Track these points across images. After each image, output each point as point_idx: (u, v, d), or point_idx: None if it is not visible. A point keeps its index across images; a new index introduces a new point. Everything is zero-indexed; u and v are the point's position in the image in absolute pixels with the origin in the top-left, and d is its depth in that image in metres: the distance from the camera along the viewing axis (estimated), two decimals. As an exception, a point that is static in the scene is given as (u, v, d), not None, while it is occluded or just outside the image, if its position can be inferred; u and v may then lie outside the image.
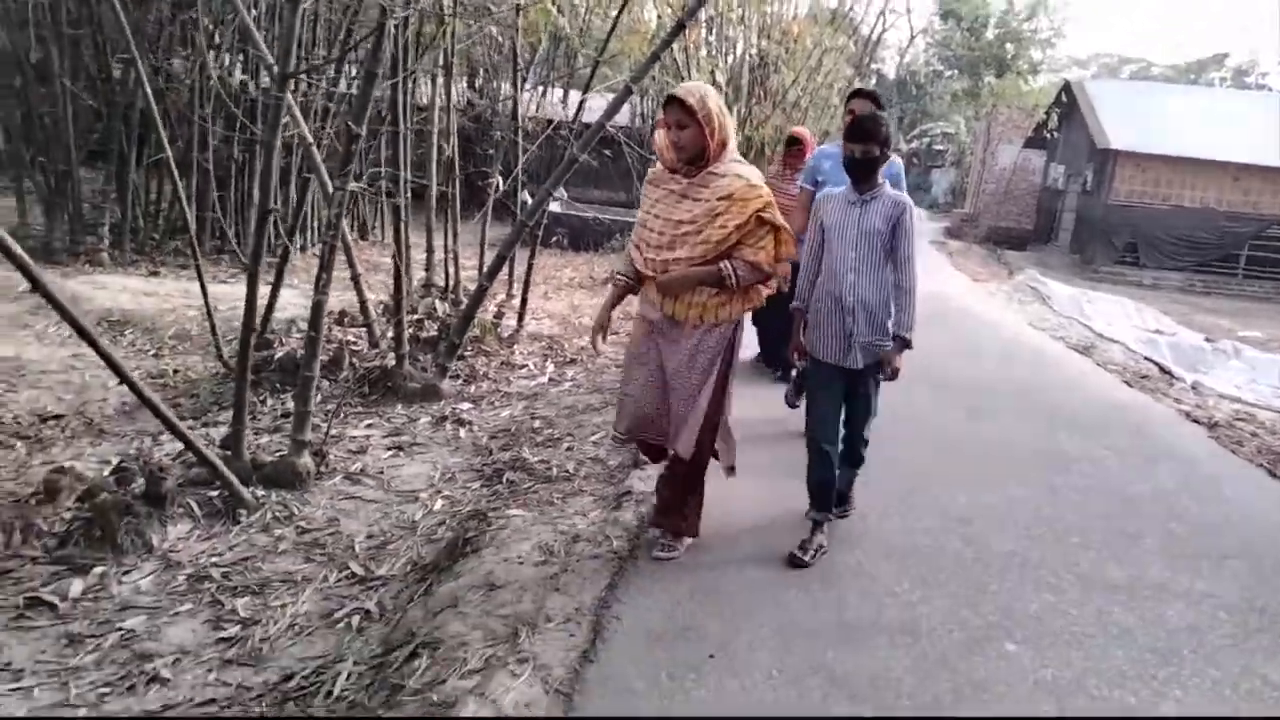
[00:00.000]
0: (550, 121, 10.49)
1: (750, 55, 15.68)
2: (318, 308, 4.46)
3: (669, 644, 2.96)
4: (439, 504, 4.59)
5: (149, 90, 6.80)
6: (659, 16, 11.64)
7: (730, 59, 15.67)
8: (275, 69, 4.25)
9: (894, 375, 3.74)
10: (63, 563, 3.80)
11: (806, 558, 3.79)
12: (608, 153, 13.01)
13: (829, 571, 3.75)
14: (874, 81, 42.27)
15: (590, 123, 6.35)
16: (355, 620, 3.52)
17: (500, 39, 9.36)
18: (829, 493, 3.91)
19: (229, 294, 9.17)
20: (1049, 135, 25.19)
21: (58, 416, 6.08)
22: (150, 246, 12.19)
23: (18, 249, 3.37)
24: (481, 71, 17.59)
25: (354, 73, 9.82)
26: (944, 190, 35.96)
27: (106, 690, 3.13)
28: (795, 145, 6.80)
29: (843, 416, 3.92)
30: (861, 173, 3.68)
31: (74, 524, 4.00)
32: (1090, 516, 4.69)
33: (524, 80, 9.34)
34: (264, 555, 3.99)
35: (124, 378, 3.87)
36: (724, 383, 3.64)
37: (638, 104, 18.76)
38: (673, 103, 3.41)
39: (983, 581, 3.80)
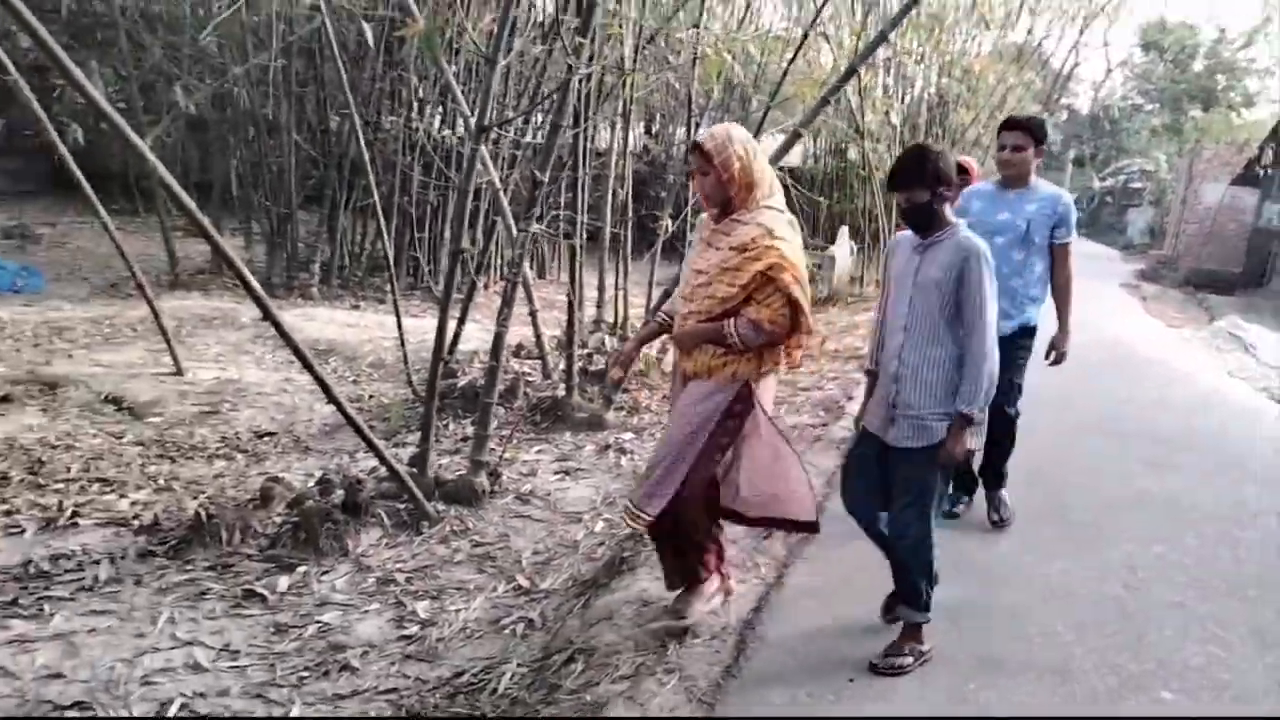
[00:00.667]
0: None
1: (929, 94, 15.47)
2: (498, 340, 4.85)
3: (811, 665, 3.05)
4: (599, 525, 4.85)
5: (361, 141, 7.56)
6: (834, 61, 11.75)
7: (908, 99, 15.51)
8: (472, 122, 4.71)
9: (952, 461, 3.05)
10: (272, 560, 4.31)
11: (883, 665, 3.18)
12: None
13: (981, 608, 3.70)
14: (1064, 117, 40.33)
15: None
16: (519, 628, 3.80)
17: (677, 86, 9.77)
18: (903, 580, 3.31)
19: (418, 327, 9.97)
20: (1264, 171, 23.18)
21: (271, 433, 6.83)
22: (353, 283, 13.39)
23: (255, 284, 3.91)
24: (658, 117, 18.22)
25: (539, 122, 10.51)
26: (1140, 230, 33.66)
27: (306, 674, 3.54)
28: (961, 175, 6.66)
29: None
30: (915, 223, 3.11)
31: (283, 527, 4.53)
32: (1272, 571, 4.36)
33: (698, 125, 9.68)
34: (442, 564, 4.36)
35: (333, 399, 4.36)
36: (716, 448, 3.23)
37: (809, 145, 18.85)
38: (694, 149, 3.20)
39: (1143, 629, 3.63)
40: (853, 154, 15.55)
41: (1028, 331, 4.49)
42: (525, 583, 4.22)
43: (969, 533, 4.51)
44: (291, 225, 13.31)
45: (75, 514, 4.94)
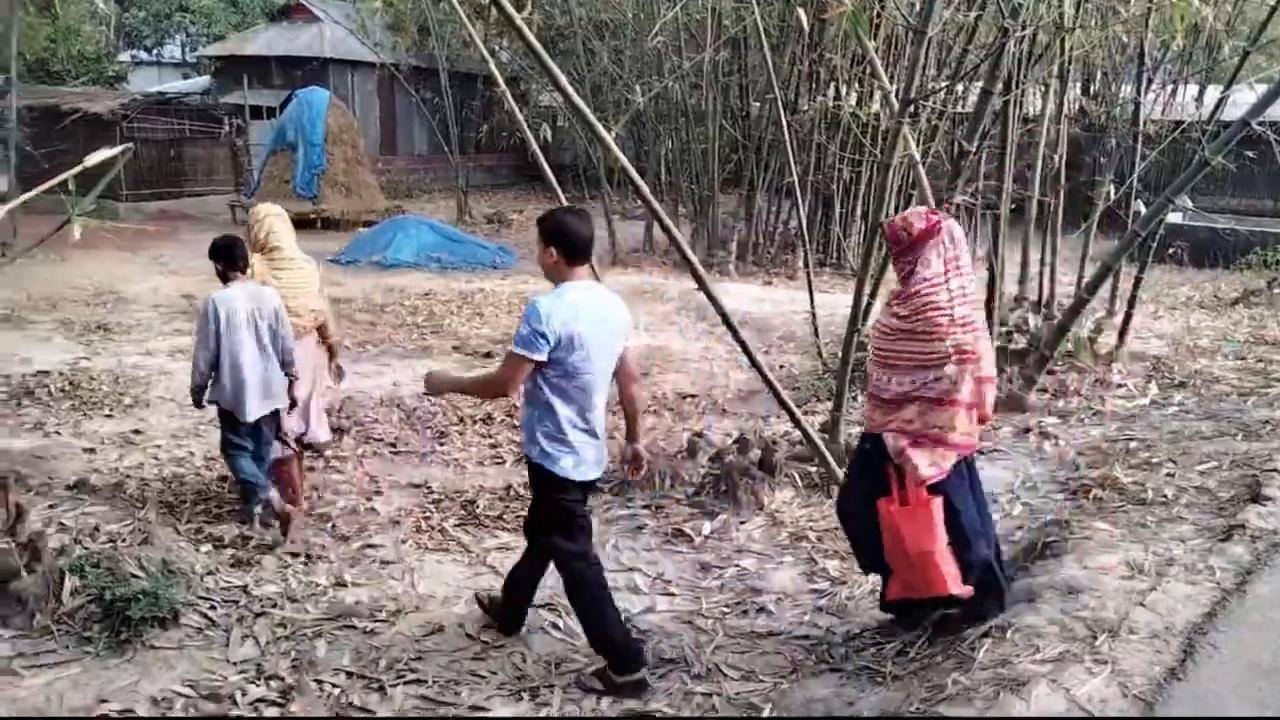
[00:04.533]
0: (1178, 123, 9.46)
1: None
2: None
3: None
4: (1017, 509, 4.63)
5: (783, 123, 7.85)
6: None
7: None
8: (894, 96, 4.72)
9: None
10: (696, 507, 4.76)
11: None
12: (1250, 154, 11.22)
13: None
14: None
15: (1230, 121, 5.69)
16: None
17: (1125, 39, 8.76)
18: None
19: (827, 301, 10.14)
20: None
21: (693, 395, 7.46)
22: (766, 259, 13.97)
23: (694, 259, 4.33)
24: (1098, 75, 16.40)
25: (960, 91, 10.07)
26: None
27: (726, 610, 3.88)
28: None
29: None
30: None
31: (705, 479, 4.96)
32: None
33: (1149, 81, 8.60)
34: (851, 528, 4.48)
35: (754, 363, 4.68)
36: None
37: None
38: None
39: None
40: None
41: None
42: (936, 556, 4.18)
43: None
44: (712, 206, 14.23)
45: (539, 452, 5.85)
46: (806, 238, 8.52)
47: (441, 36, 18.79)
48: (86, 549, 3.94)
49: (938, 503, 3.05)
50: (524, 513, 4.83)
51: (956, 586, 3.06)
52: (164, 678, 3.22)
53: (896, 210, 6.95)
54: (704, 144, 13.81)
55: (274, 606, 3.81)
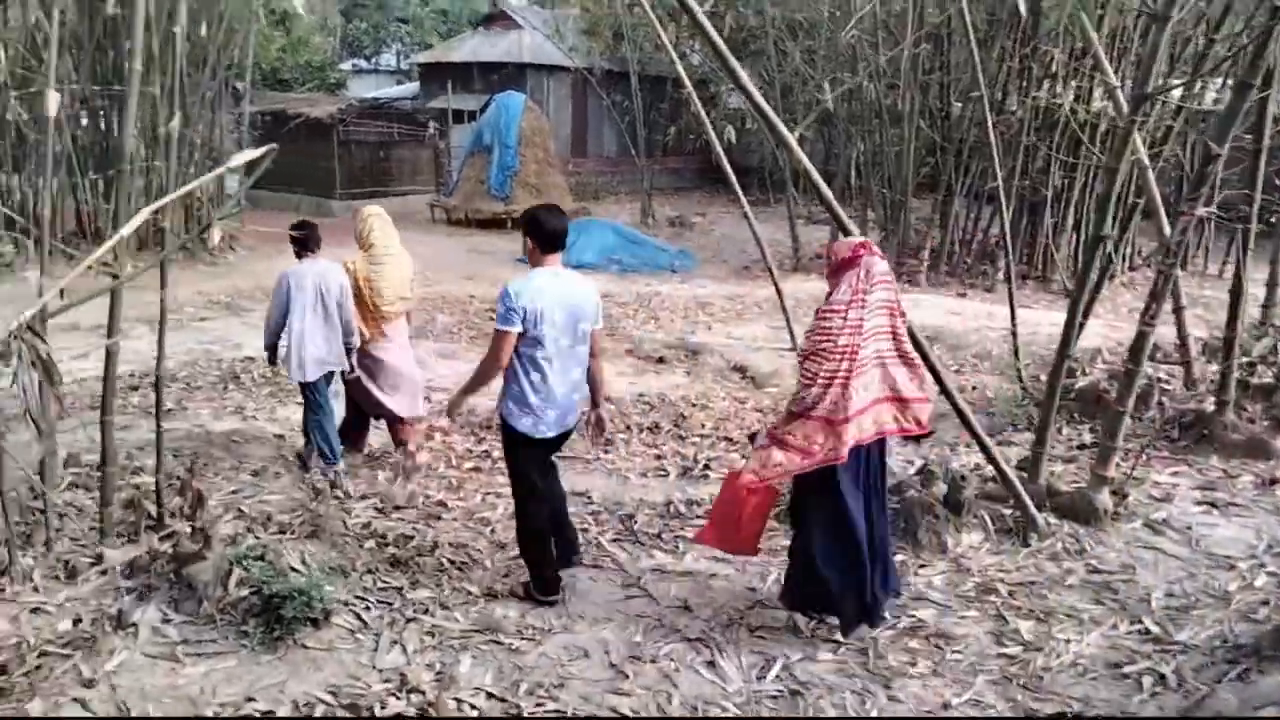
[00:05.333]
0: None
1: None
2: (1141, 340, 4.18)
3: None
4: (1261, 579, 3.91)
5: (989, 123, 7.20)
6: None
7: None
8: (1120, 93, 4.11)
9: None
10: (872, 541, 4.33)
11: None
12: None
13: None
14: None
15: None
16: (1146, 680, 3.22)
17: None
18: None
19: (1029, 318, 9.29)
20: None
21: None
22: (961, 269, 13.07)
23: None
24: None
25: (1200, 87, 8.93)
26: None
27: (896, 669, 3.45)
28: None
29: None
30: None
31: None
32: None
33: None
34: (1050, 584, 3.93)
35: (945, 391, 4.20)
36: None
37: None
38: None
39: None
40: None
41: None
42: (1155, 628, 3.58)
43: None
44: (904, 212, 13.47)
45: (706, 466, 5.60)
46: (1010, 247, 7.78)
47: (634, 40, 18.94)
48: (258, 538, 4.05)
49: (768, 498, 3.60)
50: (683, 532, 4.64)
51: (751, 551, 3.72)
52: (311, 679, 3.21)
53: (1118, 222, 6.09)
54: (898, 146, 13.09)
55: (425, 612, 3.76)
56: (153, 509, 4.09)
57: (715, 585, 4.07)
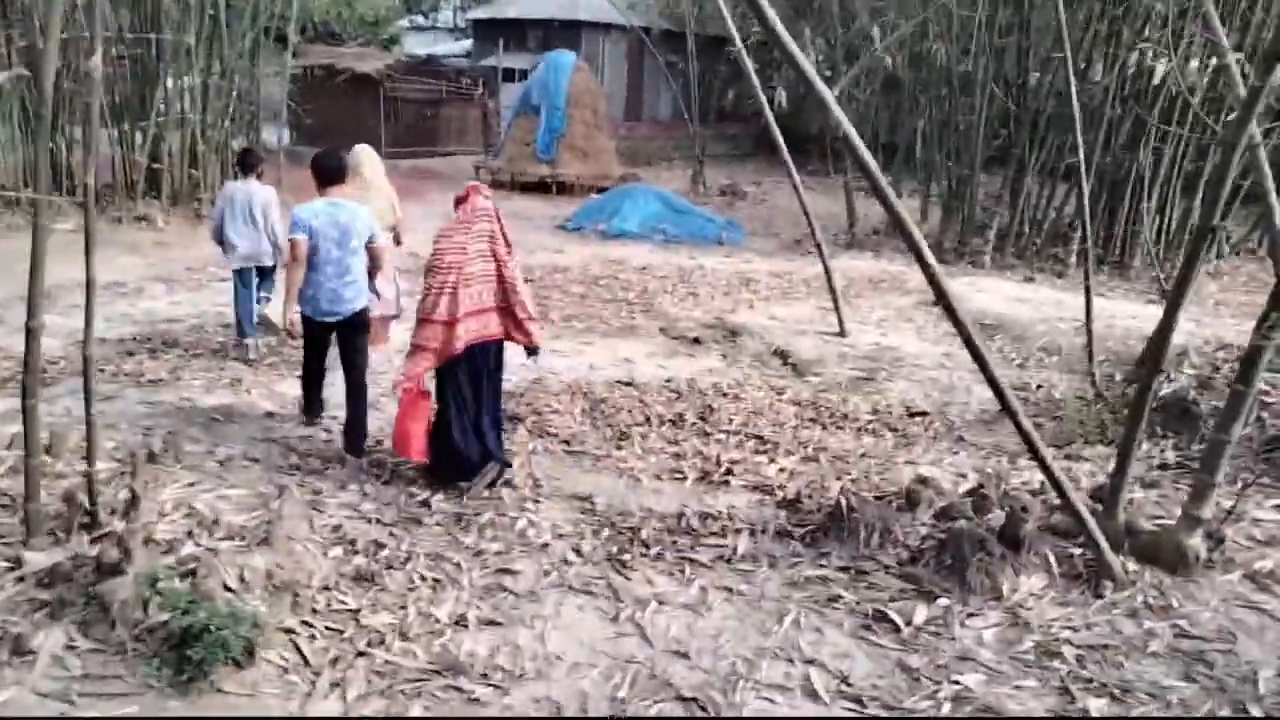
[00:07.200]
0: None
1: None
2: (1256, 355, 3.41)
3: None
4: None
5: (1074, 92, 6.36)
6: None
7: None
8: (1232, 60, 3.33)
9: None
10: (910, 580, 3.68)
11: None
12: None
13: None
14: None
15: None
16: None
17: None
18: None
19: (1103, 309, 8.42)
20: None
21: (923, 413, 6.25)
22: (1030, 252, 12.13)
23: (926, 250, 3.24)
24: None
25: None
26: None
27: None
28: None
29: None
30: None
31: (926, 542, 3.87)
32: None
33: None
34: (1129, 649, 3.24)
35: (1003, 402, 3.51)
36: None
37: None
38: None
39: None
40: None
41: None
42: (1257, 713, 2.88)
43: None
44: (971, 187, 12.55)
45: (729, 471, 4.97)
46: (1088, 229, 6.95)
47: (693, -4, 18.08)
48: (199, 544, 3.56)
49: (425, 401, 4.53)
50: (691, 553, 4.04)
51: (420, 456, 4.56)
52: (223, 732, 2.70)
53: (1221, 205, 5.17)
54: (969, 116, 12.13)
55: (380, 644, 3.23)
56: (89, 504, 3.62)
57: (722, 624, 3.46)
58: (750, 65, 8.56)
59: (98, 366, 6.37)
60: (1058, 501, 3.86)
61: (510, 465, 4.74)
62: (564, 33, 21.29)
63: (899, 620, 3.42)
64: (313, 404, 5.44)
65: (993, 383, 3.30)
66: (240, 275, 6.69)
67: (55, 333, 6.41)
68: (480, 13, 25.27)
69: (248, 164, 6.84)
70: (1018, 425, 3.41)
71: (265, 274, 6.88)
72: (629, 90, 23.14)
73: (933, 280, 3.20)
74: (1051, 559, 3.64)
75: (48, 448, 4.28)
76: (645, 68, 22.77)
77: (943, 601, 3.50)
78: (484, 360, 4.57)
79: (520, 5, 23.29)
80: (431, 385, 4.57)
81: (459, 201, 4.68)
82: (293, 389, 5.90)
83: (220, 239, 6.72)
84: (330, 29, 23.53)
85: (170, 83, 12.56)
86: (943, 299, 3.23)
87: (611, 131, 18.55)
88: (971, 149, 12.20)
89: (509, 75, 20.73)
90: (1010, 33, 11.95)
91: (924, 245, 3.17)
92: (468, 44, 26.44)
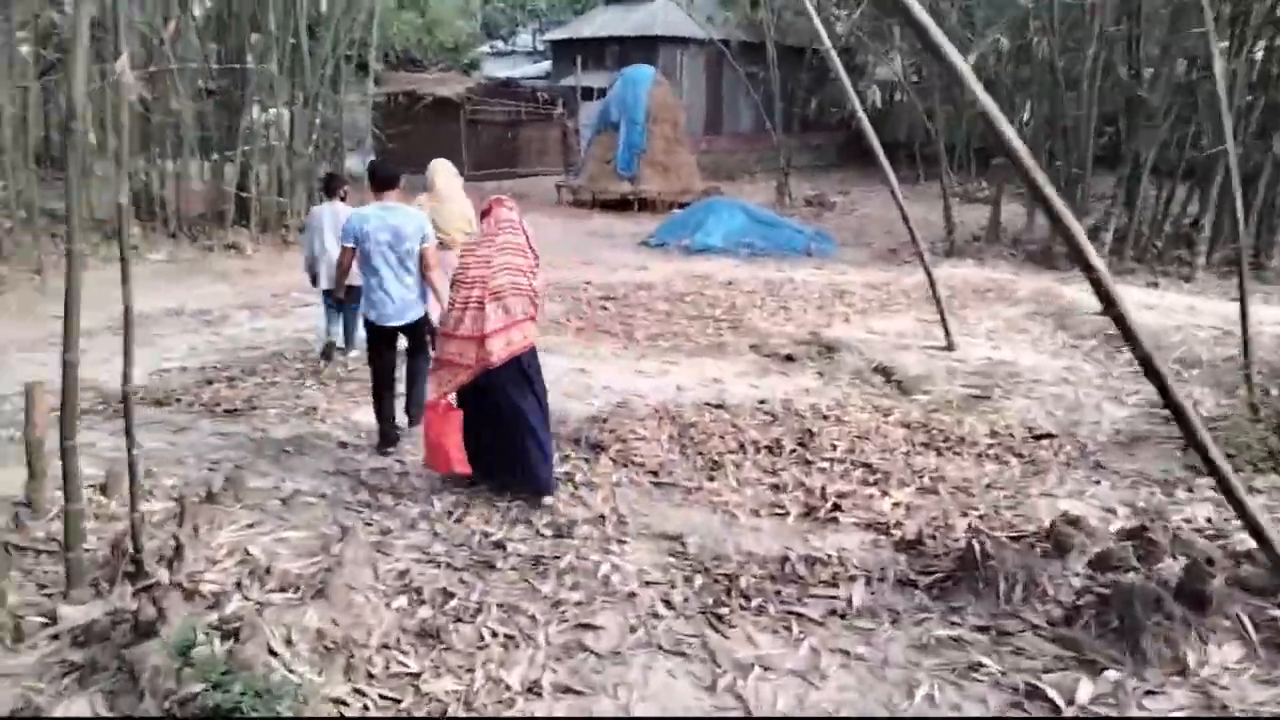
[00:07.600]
0: None
1: None
2: None
3: None
4: None
5: (1218, 74, 5.63)
6: None
7: None
8: None
9: None
10: (1067, 646, 3.07)
11: None
12: None
13: None
14: None
15: None
16: None
17: None
18: None
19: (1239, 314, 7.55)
20: None
21: (1050, 435, 5.57)
22: (1151, 255, 11.19)
23: (1094, 256, 2.67)
24: None
25: None
26: None
27: None
28: None
29: None
30: None
31: (1083, 597, 3.25)
32: None
33: None
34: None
35: (1181, 419, 2.89)
36: None
37: None
38: None
39: None
40: None
41: None
42: None
43: None
44: (1082, 187, 11.67)
45: (836, 505, 4.42)
46: (1241, 225, 6.18)
47: (771, 6, 17.54)
48: (247, 598, 3.20)
49: (455, 414, 4.48)
50: (799, 606, 3.51)
51: (462, 467, 4.51)
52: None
53: None
54: (1077, 112, 11.29)
55: (441, 716, 2.80)
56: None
57: (839, 696, 2.93)
58: (840, 66, 8.03)
59: (175, 396, 6.36)
60: (1240, 543, 3.21)
61: (550, 494, 4.47)
62: (641, 49, 21.02)
63: (1057, 698, 2.82)
64: (387, 434, 5.22)
65: (1176, 409, 2.69)
66: (328, 296, 6.89)
67: (137, 363, 6.28)
68: (557, 34, 25.27)
69: (331, 188, 7.26)
70: (1210, 465, 2.79)
71: (353, 293, 6.89)
72: (708, 104, 22.69)
73: (1098, 285, 2.64)
74: (1246, 622, 2.98)
75: (103, 487, 4.03)
76: (724, 80, 22.30)
77: (1111, 674, 2.88)
78: (509, 374, 4.43)
79: (596, 24, 23.17)
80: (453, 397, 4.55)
81: (483, 215, 4.72)
82: (367, 417, 5.58)
83: (312, 271, 7.00)
84: (411, 56, 23.84)
85: (256, 113, 12.72)
86: (1111, 308, 2.66)
87: (692, 146, 18.14)
88: (1080, 147, 11.35)
89: (588, 94, 20.55)
90: (1120, 22, 11.09)
91: (1086, 243, 2.61)
92: (546, 65, 26.48)
